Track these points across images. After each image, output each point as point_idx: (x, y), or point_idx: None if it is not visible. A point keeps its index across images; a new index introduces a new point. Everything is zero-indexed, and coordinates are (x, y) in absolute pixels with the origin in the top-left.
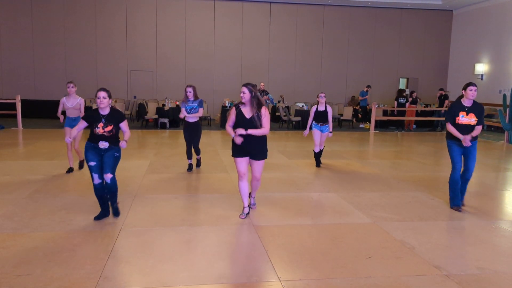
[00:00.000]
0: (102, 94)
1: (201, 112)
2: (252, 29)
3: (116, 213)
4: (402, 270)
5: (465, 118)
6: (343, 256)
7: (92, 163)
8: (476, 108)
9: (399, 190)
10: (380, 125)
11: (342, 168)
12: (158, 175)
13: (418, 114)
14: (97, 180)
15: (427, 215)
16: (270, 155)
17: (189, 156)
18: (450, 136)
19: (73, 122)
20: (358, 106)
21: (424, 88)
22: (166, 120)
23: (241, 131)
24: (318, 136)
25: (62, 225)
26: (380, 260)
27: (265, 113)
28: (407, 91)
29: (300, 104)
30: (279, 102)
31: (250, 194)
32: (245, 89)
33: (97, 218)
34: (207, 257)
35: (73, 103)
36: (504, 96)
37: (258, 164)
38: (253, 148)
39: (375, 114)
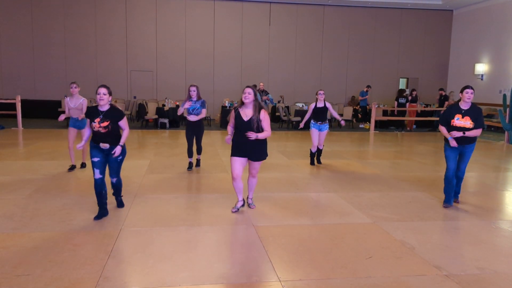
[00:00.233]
0: (103, 90)
1: (204, 113)
2: (252, 29)
3: (120, 205)
4: (402, 270)
5: (460, 121)
6: (343, 256)
7: (95, 159)
8: (473, 111)
9: (399, 190)
10: (380, 125)
11: (342, 168)
12: (158, 175)
13: (418, 114)
14: (97, 175)
15: (427, 215)
16: (270, 155)
17: (190, 155)
18: (447, 139)
19: (76, 123)
20: (358, 106)
21: (424, 88)
22: (166, 120)
23: (253, 135)
24: (316, 135)
25: (62, 225)
26: (380, 260)
27: (264, 117)
28: (407, 91)
29: (300, 104)
30: (279, 102)
31: (248, 195)
32: (250, 90)
33: (97, 218)
34: (207, 257)
35: (76, 103)
36: (504, 96)
37: (255, 164)
38: (253, 150)
39: (375, 114)
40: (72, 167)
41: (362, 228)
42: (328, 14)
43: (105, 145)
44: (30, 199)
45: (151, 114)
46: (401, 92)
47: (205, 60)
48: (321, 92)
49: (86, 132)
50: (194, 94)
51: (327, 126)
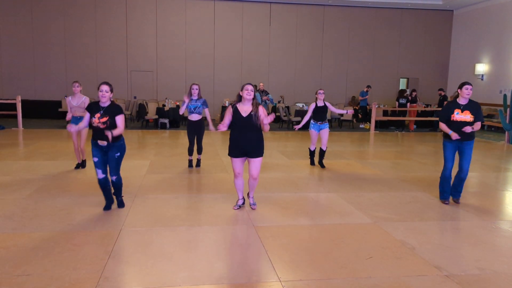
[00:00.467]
0: (105, 87)
1: (208, 113)
2: (252, 29)
3: (121, 205)
4: (402, 271)
5: (460, 115)
6: (343, 256)
7: (95, 159)
8: (472, 106)
9: (399, 190)
10: (380, 125)
11: (342, 168)
12: (158, 175)
13: (418, 114)
14: (100, 175)
15: (427, 215)
16: (270, 155)
17: (191, 153)
18: (446, 135)
19: (78, 121)
20: (358, 106)
21: (425, 88)
22: (166, 121)
23: (266, 119)
24: (315, 135)
25: (62, 225)
26: (381, 261)
27: (263, 111)
28: (408, 91)
29: (300, 105)
30: (279, 102)
31: (248, 194)
32: (252, 87)
33: (106, 208)
34: (207, 257)
35: (78, 102)
36: (505, 96)
37: (255, 162)
38: (250, 146)
39: (375, 114)
40: (78, 165)
41: (362, 228)
42: (328, 14)
43: (103, 142)
44: (30, 199)
45: (151, 114)
46: (401, 93)
47: (205, 60)
48: (321, 91)
49: (83, 124)
50: (196, 92)
51: (327, 125)
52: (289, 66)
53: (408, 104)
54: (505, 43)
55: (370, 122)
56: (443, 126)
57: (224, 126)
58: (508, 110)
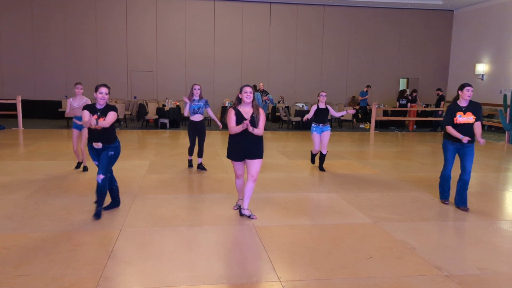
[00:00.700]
0: (105, 90)
1: (211, 112)
2: (252, 29)
3: (97, 216)
4: (402, 271)
5: (462, 118)
6: (343, 256)
7: (95, 162)
8: (473, 107)
9: (399, 190)
10: (380, 125)
11: (343, 168)
12: (158, 175)
13: (418, 114)
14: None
15: (427, 215)
16: (270, 155)
17: (191, 153)
18: (447, 135)
19: (78, 123)
20: (358, 106)
21: (425, 88)
22: (166, 121)
23: (250, 127)
24: (318, 139)
25: (62, 225)
26: (381, 261)
27: (262, 115)
28: (408, 91)
29: (300, 105)
30: (279, 102)
31: (241, 207)
32: (251, 89)
33: (107, 208)
34: (207, 257)
35: (79, 103)
36: (505, 96)
37: (255, 163)
38: (250, 148)
39: (375, 114)
40: (78, 165)
41: (363, 228)
42: (329, 14)
43: (98, 144)
44: (30, 199)
45: (152, 114)
46: (402, 93)
47: (205, 61)
48: (323, 93)
49: (85, 133)
50: (198, 93)
51: (329, 127)
52: (289, 66)
53: (408, 104)
54: (505, 43)
55: (370, 122)
56: (452, 130)
57: (235, 128)
58: (508, 110)
